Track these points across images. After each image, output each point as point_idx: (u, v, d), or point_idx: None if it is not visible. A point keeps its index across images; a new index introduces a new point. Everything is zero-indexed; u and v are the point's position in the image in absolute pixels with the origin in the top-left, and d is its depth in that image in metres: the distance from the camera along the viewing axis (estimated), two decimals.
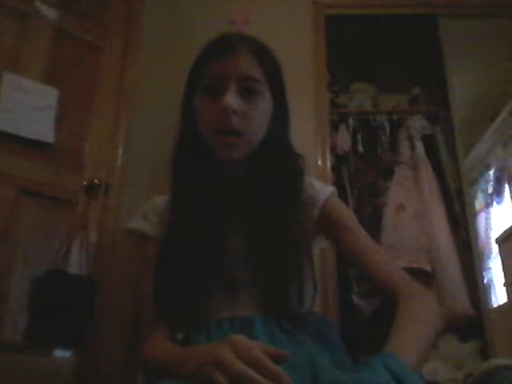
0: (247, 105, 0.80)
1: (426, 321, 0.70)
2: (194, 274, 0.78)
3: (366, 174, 2.43)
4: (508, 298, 2.32)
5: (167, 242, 0.83)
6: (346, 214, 0.90)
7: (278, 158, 0.85)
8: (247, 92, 0.80)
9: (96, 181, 1.95)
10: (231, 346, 0.53)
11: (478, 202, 3.35)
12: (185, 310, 0.77)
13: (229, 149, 0.79)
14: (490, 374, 1.08)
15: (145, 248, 0.91)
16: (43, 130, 1.82)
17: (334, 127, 2.43)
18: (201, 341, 0.74)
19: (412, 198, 2.26)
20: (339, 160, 2.40)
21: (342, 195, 2.26)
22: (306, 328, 0.78)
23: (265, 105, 0.83)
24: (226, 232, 0.84)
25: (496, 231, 3.01)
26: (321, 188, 0.90)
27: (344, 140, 2.42)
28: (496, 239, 2.90)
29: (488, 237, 3.12)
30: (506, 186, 3.08)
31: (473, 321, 2.05)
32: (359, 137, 2.47)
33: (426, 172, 2.32)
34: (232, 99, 0.77)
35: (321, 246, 0.95)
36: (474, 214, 2.50)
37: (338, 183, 2.30)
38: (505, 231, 2.78)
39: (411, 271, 2.10)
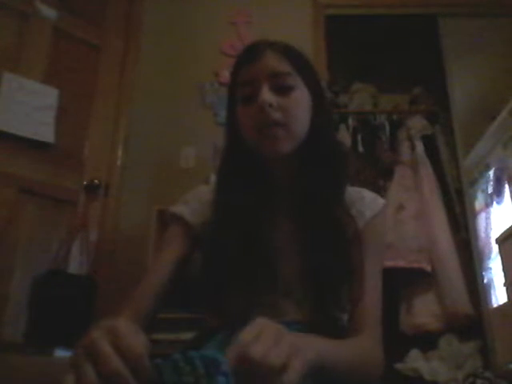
0: (283, 98, 0.80)
1: (355, 355, 0.69)
2: (241, 275, 0.76)
3: (365, 174, 2.43)
4: (508, 298, 2.32)
5: (213, 241, 0.80)
6: (380, 237, 0.88)
7: (325, 151, 0.84)
8: (281, 88, 0.81)
9: (96, 181, 1.96)
10: (110, 332, 0.45)
11: (478, 202, 3.34)
12: (231, 309, 0.76)
13: (274, 141, 0.79)
14: None
15: (173, 228, 0.89)
16: (43, 130, 1.82)
17: (335, 127, 2.43)
18: (224, 343, 0.71)
19: (412, 198, 2.26)
20: None
21: None
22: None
23: (301, 96, 0.83)
24: (273, 233, 0.82)
25: (496, 231, 3.00)
26: (371, 202, 0.88)
27: (344, 140, 2.42)
28: (496, 239, 2.89)
29: (488, 237, 3.12)
30: (506, 185, 3.08)
31: (473, 321, 2.06)
32: (359, 137, 2.47)
33: (426, 172, 2.32)
34: (266, 95, 0.79)
35: None
36: (474, 214, 2.50)
37: None
38: (505, 231, 2.77)
39: (411, 271, 2.11)
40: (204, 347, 0.74)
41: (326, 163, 0.84)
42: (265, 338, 0.47)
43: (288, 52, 0.85)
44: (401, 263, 2.09)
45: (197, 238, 0.85)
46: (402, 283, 2.18)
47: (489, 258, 3.04)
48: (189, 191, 0.95)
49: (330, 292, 0.76)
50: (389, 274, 2.24)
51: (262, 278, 0.78)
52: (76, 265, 1.78)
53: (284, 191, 0.86)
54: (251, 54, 0.84)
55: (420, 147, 2.37)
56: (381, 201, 0.90)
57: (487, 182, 3.33)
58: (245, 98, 0.83)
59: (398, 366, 1.99)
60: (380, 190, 2.32)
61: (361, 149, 2.44)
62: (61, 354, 1.47)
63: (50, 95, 1.87)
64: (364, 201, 0.87)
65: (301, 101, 0.83)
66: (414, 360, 2.00)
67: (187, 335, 0.88)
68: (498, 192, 3.16)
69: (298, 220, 0.83)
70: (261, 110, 0.78)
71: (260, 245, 0.79)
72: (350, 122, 2.50)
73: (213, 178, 1.75)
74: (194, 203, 0.89)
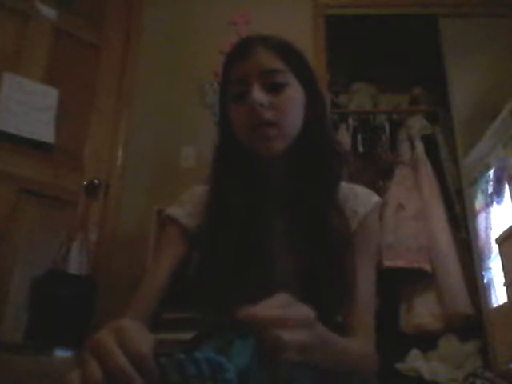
0: (275, 97, 0.79)
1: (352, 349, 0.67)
2: (237, 276, 0.75)
3: (365, 174, 2.43)
4: (508, 298, 2.31)
5: (208, 242, 0.80)
6: (373, 235, 0.86)
7: (318, 149, 0.83)
8: (273, 85, 0.79)
9: (96, 181, 1.96)
10: (116, 332, 0.45)
11: (478, 202, 3.34)
12: (227, 311, 0.75)
13: (267, 141, 0.78)
14: None
15: (169, 230, 0.88)
16: (43, 129, 1.82)
17: (334, 127, 2.43)
18: (222, 347, 0.69)
19: (412, 198, 2.26)
20: None
21: None
22: None
23: (294, 93, 0.81)
24: (269, 233, 0.81)
25: (496, 231, 3.00)
26: (364, 199, 0.87)
27: (344, 140, 2.42)
28: (496, 239, 2.89)
29: (488, 237, 3.11)
30: (506, 185, 3.07)
31: (473, 321, 2.06)
32: (359, 137, 2.48)
33: (426, 172, 2.32)
34: (257, 94, 0.77)
35: None
36: (474, 214, 2.50)
37: None
38: (505, 231, 2.77)
39: (411, 271, 2.11)
40: (202, 349, 0.73)
41: (318, 161, 0.82)
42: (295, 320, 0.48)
43: (280, 48, 0.83)
44: (400, 263, 2.09)
45: (193, 238, 0.84)
46: (402, 283, 2.18)
47: (489, 257, 3.03)
48: (184, 191, 0.94)
49: (324, 293, 0.75)
50: (389, 274, 2.26)
51: (258, 279, 0.76)
52: (76, 265, 1.78)
53: (278, 190, 0.85)
54: (242, 50, 0.82)
55: (420, 147, 2.37)
56: (375, 197, 0.88)
57: (487, 182, 3.32)
58: (236, 95, 0.81)
59: (398, 366, 1.99)
60: (380, 190, 2.32)
61: (361, 149, 2.44)
62: (61, 353, 1.47)
63: (49, 95, 1.87)
64: (357, 198, 0.86)
65: (293, 98, 0.81)
66: (414, 360, 2.00)
67: (187, 335, 0.87)
68: (498, 192, 3.16)
69: (292, 220, 0.82)
70: (252, 109, 0.77)
71: (255, 246, 0.79)
72: (350, 121, 2.50)
73: None
74: (189, 204, 0.88)
